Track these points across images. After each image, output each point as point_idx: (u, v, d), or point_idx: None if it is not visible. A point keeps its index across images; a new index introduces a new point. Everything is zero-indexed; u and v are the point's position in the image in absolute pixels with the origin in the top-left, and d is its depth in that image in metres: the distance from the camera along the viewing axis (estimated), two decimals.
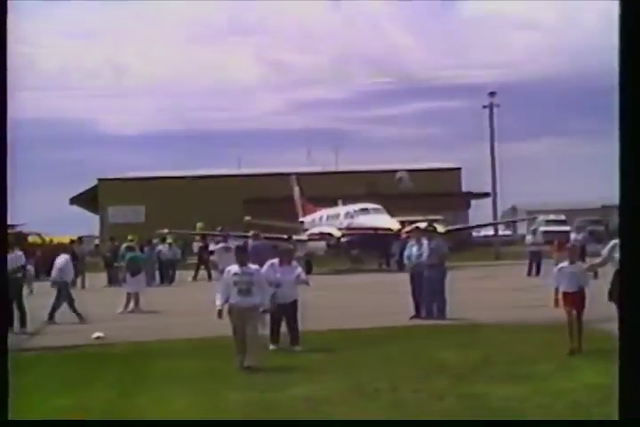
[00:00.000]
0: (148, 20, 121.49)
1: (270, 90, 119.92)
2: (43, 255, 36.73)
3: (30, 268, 23.77)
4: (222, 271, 14.05)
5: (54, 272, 20.04)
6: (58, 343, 15.81)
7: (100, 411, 9.77)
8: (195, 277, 34.44)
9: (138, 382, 11.60)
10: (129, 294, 22.02)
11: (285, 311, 13.24)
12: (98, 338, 15.94)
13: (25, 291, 18.94)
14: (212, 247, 32.06)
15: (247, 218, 42.07)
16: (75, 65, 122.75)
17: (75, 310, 19.62)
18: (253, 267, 12.16)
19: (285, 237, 38.21)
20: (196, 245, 33.01)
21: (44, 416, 9.52)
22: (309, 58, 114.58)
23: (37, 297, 22.04)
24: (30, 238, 42.02)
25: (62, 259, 20.23)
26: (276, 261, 13.59)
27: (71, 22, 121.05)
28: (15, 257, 18.38)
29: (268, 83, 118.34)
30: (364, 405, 9.56)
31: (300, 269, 13.98)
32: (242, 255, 12.32)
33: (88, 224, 62.75)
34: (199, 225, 36.05)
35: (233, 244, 24.92)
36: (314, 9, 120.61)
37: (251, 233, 25.65)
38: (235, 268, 12.01)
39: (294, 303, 13.48)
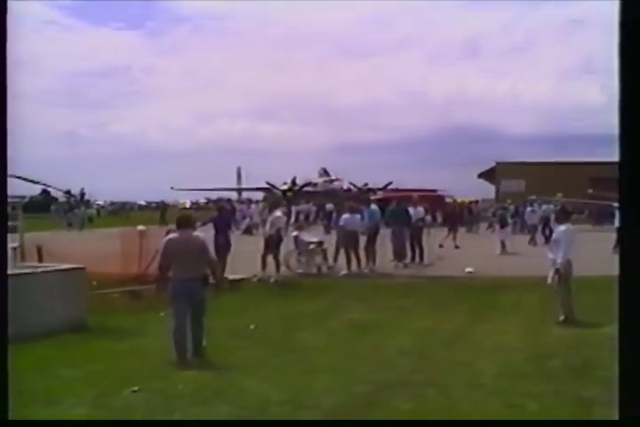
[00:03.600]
0: None
1: None
2: (452, 209, 36.33)
3: (428, 218, 21.75)
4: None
5: None
6: (440, 274, 14.57)
7: (450, 333, 8.43)
8: None
9: (486, 311, 10.04)
10: (501, 241, 20.09)
11: None
12: (469, 273, 14.43)
13: (424, 234, 17.67)
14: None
15: (590, 190, 39.47)
16: None
17: None
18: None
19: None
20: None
21: (409, 335, 8.37)
22: None
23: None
24: (447, 199, 41.76)
25: None
26: None
27: None
28: (418, 211, 17.54)
29: None
30: None
31: None
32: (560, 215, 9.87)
33: (487, 191, 62.72)
34: (559, 195, 33.34)
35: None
36: None
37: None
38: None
39: None
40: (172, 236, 7.20)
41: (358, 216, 15.18)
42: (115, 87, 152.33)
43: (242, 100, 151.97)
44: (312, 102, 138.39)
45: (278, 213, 14.05)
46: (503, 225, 20.22)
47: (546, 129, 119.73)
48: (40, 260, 12.33)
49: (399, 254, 16.65)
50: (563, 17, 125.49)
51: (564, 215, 9.85)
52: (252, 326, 8.87)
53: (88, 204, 59.86)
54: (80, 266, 8.71)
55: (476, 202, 36.78)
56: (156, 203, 77.43)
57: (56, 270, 8.36)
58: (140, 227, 13.32)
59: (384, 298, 11.42)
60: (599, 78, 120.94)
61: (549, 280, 9.05)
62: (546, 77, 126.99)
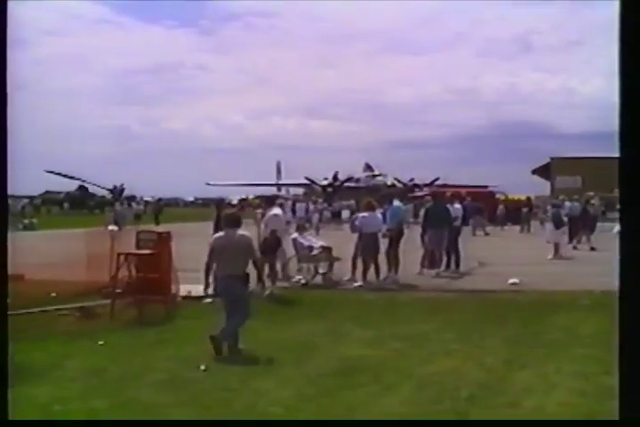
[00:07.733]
0: None
1: None
2: (506, 206, 35.65)
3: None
4: None
5: None
6: (477, 286, 11.76)
7: (477, 384, 5.91)
8: None
9: (530, 344, 7.34)
10: (555, 244, 16.99)
11: None
12: (513, 284, 11.60)
13: (460, 237, 14.79)
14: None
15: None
16: None
17: None
18: None
19: None
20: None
21: (417, 386, 5.75)
22: None
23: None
24: (497, 195, 40.68)
25: None
26: None
27: None
28: (455, 208, 14.76)
29: None
30: None
31: None
32: None
33: (542, 188, 58.73)
34: (615, 190, 30.49)
35: None
36: None
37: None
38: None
39: None
40: (219, 234, 7.41)
41: (379, 215, 12.44)
42: (167, 84, 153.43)
43: (293, 97, 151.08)
44: (362, 99, 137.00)
45: (276, 210, 11.36)
46: (557, 225, 17.03)
47: (600, 125, 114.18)
48: None
49: (430, 261, 13.87)
50: (615, 12, 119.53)
51: None
52: (202, 367, 6.39)
53: (134, 200, 58.34)
54: None
55: (529, 199, 33.78)
56: (202, 199, 76.16)
57: None
58: (111, 227, 10.98)
59: (400, 320, 8.77)
60: None
61: None
62: (599, 73, 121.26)
